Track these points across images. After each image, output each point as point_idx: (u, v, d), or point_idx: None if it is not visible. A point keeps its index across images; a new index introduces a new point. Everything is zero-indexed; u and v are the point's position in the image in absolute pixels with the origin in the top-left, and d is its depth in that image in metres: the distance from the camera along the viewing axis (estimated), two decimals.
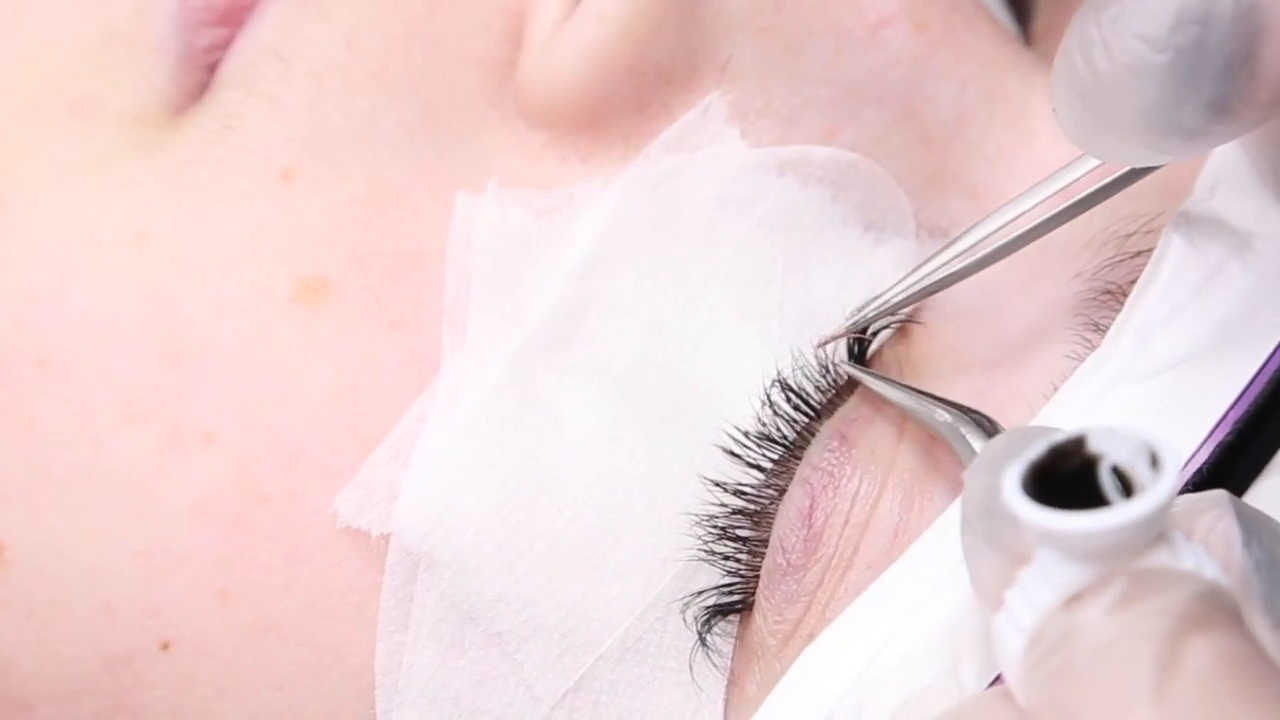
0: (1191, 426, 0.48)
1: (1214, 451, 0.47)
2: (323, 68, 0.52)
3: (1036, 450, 0.40)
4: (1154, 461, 0.39)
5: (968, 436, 0.49)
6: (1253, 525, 0.42)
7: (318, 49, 0.52)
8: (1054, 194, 0.50)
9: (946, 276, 0.51)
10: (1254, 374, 0.48)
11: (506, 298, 0.51)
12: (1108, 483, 0.40)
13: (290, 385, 0.50)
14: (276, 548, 0.49)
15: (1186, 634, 0.39)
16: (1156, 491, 0.39)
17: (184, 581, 0.50)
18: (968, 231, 0.51)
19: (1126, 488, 0.40)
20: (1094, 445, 0.40)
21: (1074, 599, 0.40)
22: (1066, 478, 0.40)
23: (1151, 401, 0.48)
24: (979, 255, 0.50)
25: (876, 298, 0.51)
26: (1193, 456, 0.48)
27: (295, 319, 0.50)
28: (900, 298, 0.51)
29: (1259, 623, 0.40)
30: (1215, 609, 0.39)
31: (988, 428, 0.49)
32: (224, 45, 0.53)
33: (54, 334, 0.50)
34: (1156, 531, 0.40)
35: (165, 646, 0.50)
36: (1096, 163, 0.49)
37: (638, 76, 0.52)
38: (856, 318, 0.52)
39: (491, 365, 0.50)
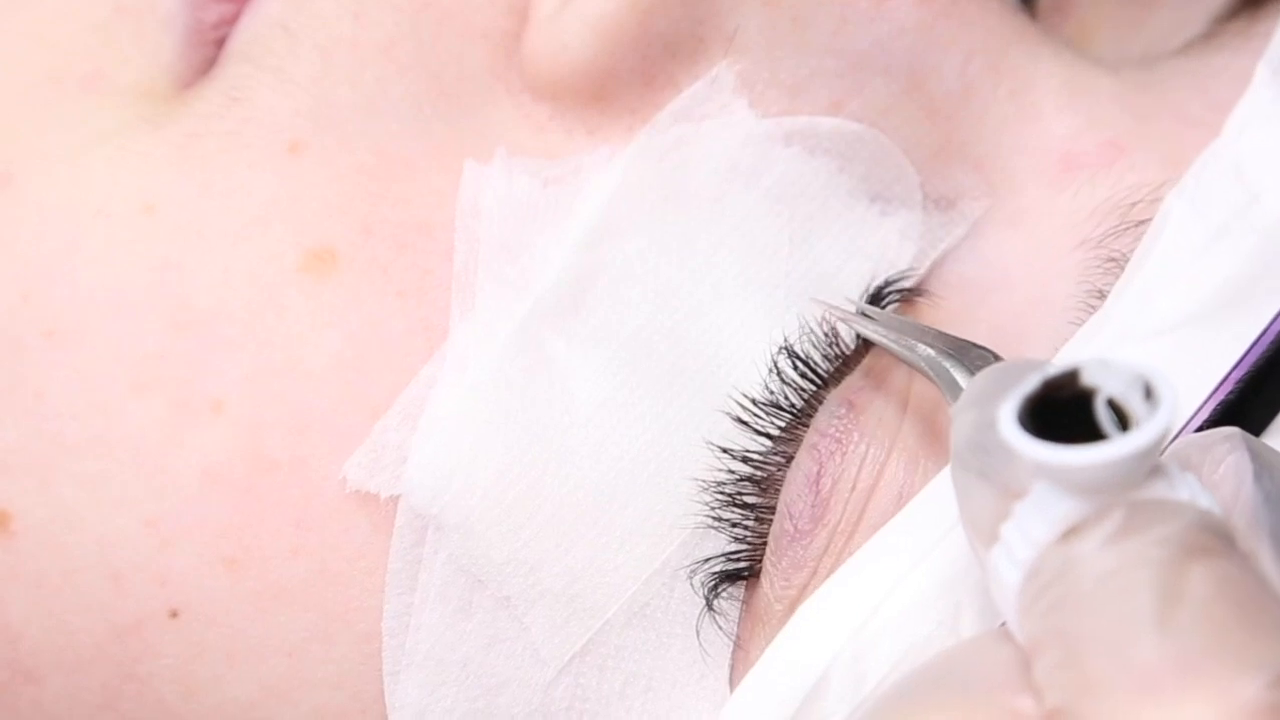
0: (1194, 386, 0.48)
1: (1215, 411, 0.48)
2: (330, 41, 0.52)
3: (1031, 384, 0.40)
4: (1148, 393, 0.40)
5: (951, 371, 0.49)
6: (1264, 460, 0.42)
7: (325, 23, 0.52)
8: None
9: None
10: (1257, 335, 0.48)
11: (514, 266, 0.51)
12: (1103, 416, 0.40)
13: (299, 354, 0.50)
14: (285, 515, 0.50)
15: (1187, 562, 0.39)
16: (1153, 424, 0.39)
17: (192, 550, 0.50)
18: None
19: (1121, 420, 0.40)
20: (1088, 378, 0.40)
21: (1071, 532, 0.40)
22: (1058, 411, 0.40)
23: (1154, 361, 0.49)
24: None
25: None
26: (1194, 415, 0.48)
27: (303, 288, 0.50)
28: None
29: (1267, 555, 0.40)
30: (1213, 537, 0.40)
31: (974, 362, 0.49)
32: (231, 20, 0.53)
33: (62, 305, 0.50)
34: (1152, 463, 0.41)
35: (174, 615, 0.50)
36: None
37: (644, 48, 0.52)
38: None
39: (499, 332, 0.50)
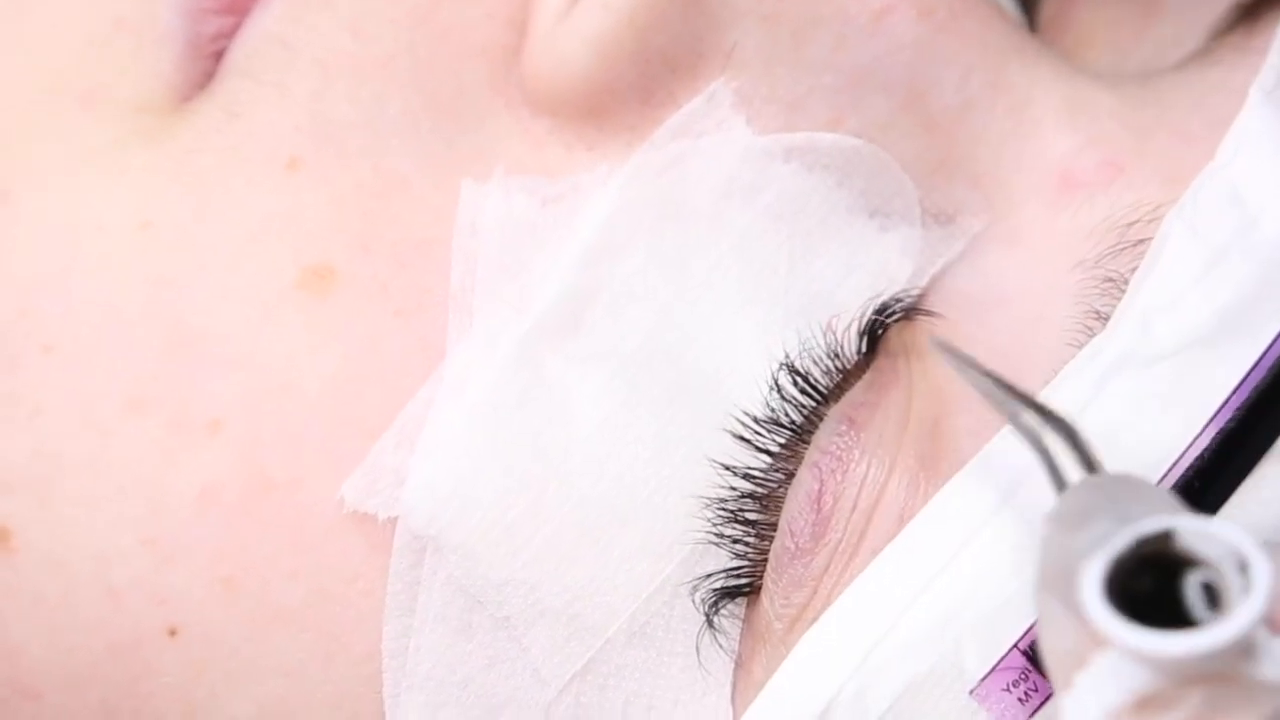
0: (1192, 413, 0.48)
1: (1214, 439, 0.48)
2: (328, 56, 0.52)
3: (1120, 543, 0.39)
4: (1243, 568, 0.38)
5: (1050, 447, 0.46)
6: None
7: (323, 37, 0.52)
8: None
9: None
10: (1255, 361, 0.48)
11: (512, 284, 0.51)
12: (1193, 596, 0.39)
13: (297, 372, 0.50)
14: (282, 535, 0.50)
15: None
16: (1244, 612, 0.38)
17: (190, 569, 0.50)
18: None
19: (1211, 596, 0.39)
20: (1182, 543, 0.39)
21: (1145, 704, 0.39)
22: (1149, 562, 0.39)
23: (1152, 388, 0.49)
24: None
25: None
26: (1193, 442, 0.48)
27: (301, 306, 0.50)
28: None
29: None
30: None
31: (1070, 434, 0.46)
32: (229, 34, 0.53)
33: (60, 322, 0.51)
34: (1240, 649, 0.39)
35: (172, 634, 0.50)
36: None
37: (642, 65, 0.52)
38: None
39: (498, 351, 0.51)
